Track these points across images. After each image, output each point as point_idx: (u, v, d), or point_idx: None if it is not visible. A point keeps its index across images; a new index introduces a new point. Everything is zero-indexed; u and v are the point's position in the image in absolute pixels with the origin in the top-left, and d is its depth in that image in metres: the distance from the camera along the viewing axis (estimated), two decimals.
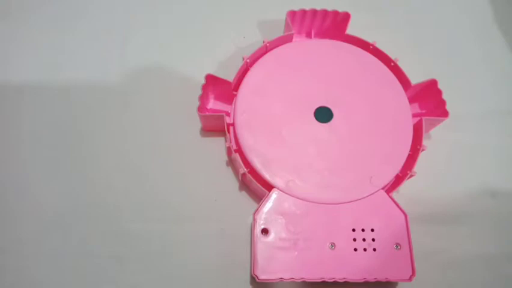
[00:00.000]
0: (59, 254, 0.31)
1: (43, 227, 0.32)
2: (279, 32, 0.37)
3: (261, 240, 0.29)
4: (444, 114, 0.33)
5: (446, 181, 0.34)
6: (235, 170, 0.34)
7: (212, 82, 0.33)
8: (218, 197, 0.33)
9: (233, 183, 0.34)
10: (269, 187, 0.31)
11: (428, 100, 0.34)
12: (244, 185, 0.34)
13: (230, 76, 0.33)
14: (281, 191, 0.30)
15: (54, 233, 0.32)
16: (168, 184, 0.34)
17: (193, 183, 0.34)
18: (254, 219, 0.29)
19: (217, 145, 0.35)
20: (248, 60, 0.34)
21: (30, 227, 0.32)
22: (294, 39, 0.36)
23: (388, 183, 0.31)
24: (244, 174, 0.31)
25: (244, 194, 0.34)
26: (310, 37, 0.37)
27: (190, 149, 0.35)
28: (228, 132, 0.33)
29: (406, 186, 0.31)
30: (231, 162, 0.34)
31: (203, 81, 0.32)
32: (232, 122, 0.33)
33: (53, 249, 0.31)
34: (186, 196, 0.33)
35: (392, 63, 0.35)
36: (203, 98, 0.32)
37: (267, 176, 0.31)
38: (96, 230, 0.32)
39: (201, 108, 0.32)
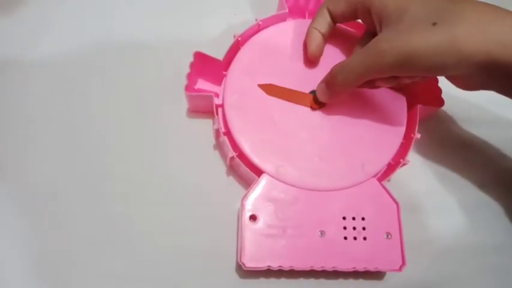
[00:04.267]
0: (36, 235, 0.29)
1: (20, 207, 0.30)
2: (272, 11, 0.35)
3: (249, 227, 0.27)
4: (440, 102, 0.33)
5: (438, 170, 0.34)
6: (223, 154, 0.32)
7: (201, 60, 0.31)
8: (204, 181, 0.32)
9: (220, 167, 0.32)
10: (258, 172, 0.30)
11: (424, 87, 0.33)
12: (232, 170, 0.32)
13: (221, 54, 0.32)
14: (271, 176, 0.29)
15: (31, 214, 0.30)
16: (152, 167, 0.32)
17: (178, 166, 0.32)
18: (242, 205, 0.28)
19: (205, 127, 0.33)
20: (239, 39, 0.32)
21: (8, 207, 0.30)
22: (287, 19, 0.35)
23: (380, 171, 0.31)
24: (232, 157, 0.30)
25: (231, 179, 0.32)
26: (304, 17, 0.36)
27: (176, 131, 0.33)
28: (217, 113, 0.31)
29: (398, 174, 0.30)
30: (218, 146, 0.33)
31: (191, 59, 0.31)
32: (221, 103, 0.31)
33: (30, 229, 0.29)
34: (171, 180, 0.32)
35: None
36: (191, 77, 0.31)
37: (257, 160, 0.29)
38: (74, 212, 0.30)
39: (189, 87, 0.30)
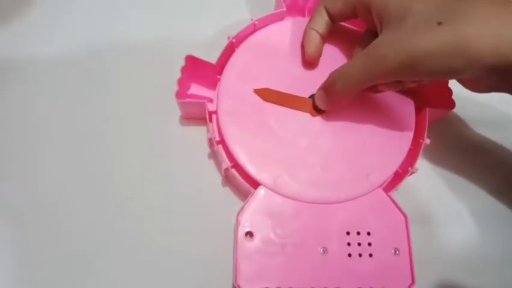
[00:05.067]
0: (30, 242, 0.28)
1: (18, 213, 0.29)
2: (269, 9, 0.33)
3: (245, 245, 0.26)
4: (451, 105, 0.30)
5: (448, 177, 0.32)
6: (218, 164, 0.30)
7: (193, 64, 0.29)
8: (199, 193, 0.30)
9: (216, 178, 0.31)
10: (255, 184, 0.28)
11: (433, 89, 0.31)
12: (228, 181, 0.30)
13: (214, 57, 0.30)
14: (268, 188, 0.27)
15: (27, 221, 0.28)
16: (143, 179, 0.30)
17: (171, 177, 0.30)
18: (237, 221, 0.26)
19: (199, 135, 0.31)
20: (234, 40, 0.30)
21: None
22: (285, 18, 0.32)
23: (386, 181, 0.29)
24: (227, 169, 0.28)
25: (227, 190, 0.30)
26: (304, 15, 0.33)
27: (168, 139, 0.31)
28: (210, 121, 0.29)
29: (405, 182, 0.28)
30: (213, 155, 0.31)
31: (183, 62, 0.29)
32: (215, 109, 0.29)
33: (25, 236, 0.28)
34: (163, 192, 0.30)
35: None
36: (182, 83, 0.29)
37: (253, 171, 0.27)
38: (61, 221, 0.29)
39: (180, 93, 0.28)
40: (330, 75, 0.27)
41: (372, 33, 0.27)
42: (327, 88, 0.27)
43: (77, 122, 0.32)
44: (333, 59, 0.30)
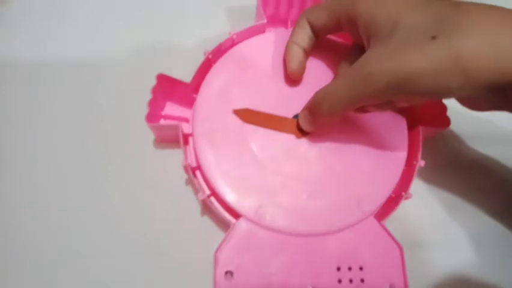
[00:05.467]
0: None
1: None
2: (249, 21, 0.31)
3: (224, 286, 0.23)
4: (445, 123, 0.28)
5: (444, 198, 0.29)
6: (196, 192, 0.28)
7: (165, 83, 0.27)
8: (176, 223, 0.27)
9: (194, 206, 0.28)
10: (235, 215, 0.25)
11: (426, 105, 0.29)
12: (206, 209, 0.28)
13: (189, 75, 0.27)
14: (250, 220, 0.25)
15: None
16: (113, 208, 0.27)
17: (144, 206, 0.28)
18: (216, 259, 0.23)
19: (175, 159, 0.29)
20: (210, 56, 0.28)
21: None
22: (267, 30, 0.30)
23: (379, 208, 0.26)
24: (204, 199, 0.25)
25: (207, 220, 0.28)
26: (287, 27, 0.31)
27: (142, 164, 0.29)
28: (186, 144, 0.27)
29: (399, 209, 0.26)
30: (191, 181, 0.28)
31: (154, 81, 0.26)
32: (191, 132, 0.27)
33: None
34: (136, 222, 0.27)
35: None
36: (153, 104, 0.26)
37: (233, 201, 0.25)
38: (16, 260, 0.26)
39: (151, 116, 0.26)
40: (315, 95, 0.24)
41: (359, 48, 0.25)
42: (312, 109, 0.25)
43: (38, 143, 0.29)
44: (319, 74, 0.28)
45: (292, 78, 0.28)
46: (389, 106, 0.24)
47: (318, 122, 0.25)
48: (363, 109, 0.24)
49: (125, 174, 0.28)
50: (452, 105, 0.27)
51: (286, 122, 0.27)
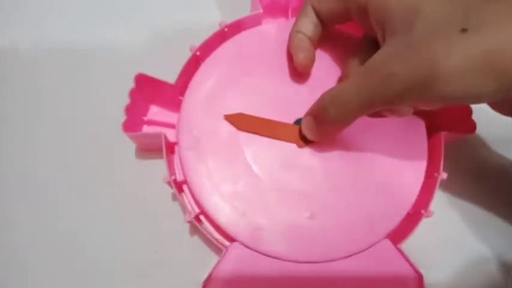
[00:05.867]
0: None
1: None
2: (243, 11, 0.27)
3: None
4: (470, 127, 0.24)
5: (467, 212, 0.26)
6: (184, 210, 0.24)
7: (145, 85, 0.23)
8: (160, 246, 0.24)
9: (182, 225, 0.25)
10: (228, 238, 0.22)
11: (449, 107, 0.25)
12: (196, 229, 0.24)
13: (173, 75, 0.23)
14: (245, 244, 0.21)
15: None
16: (89, 226, 0.24)
17: (125, 225, 0.24)
18: None
19: (160, 170, 0.25)
20: (198, 53, 0.24)
21: None
22: (264, 22, 0.26)
23: (394, 229, 0.23)
24: (191, 221, 0.22)
25: (197, 240, 0.24)
26: (287, 17, 0.27)
27: (121, 176, 0.25)
28: (170, 153, 0.23)
29: (418, 230, 0.22)
30: (177, 197, 0.25)
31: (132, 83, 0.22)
32: (177, 140, 0.23)
33: None
34: (115, 244, 0.24)
35: None
36: (131, 110, 0.22)
37: (225, 222, 0.21)
38: None
39: (129, 124, 0.22)
40: (321, 99, 0.21)
41: (371, 41, 0.21)
42: (317, 115, 0.21)
43: (13, 148, 0.26)
44: (325, 73, 0.24)
45: (301, 71, 0.24)
46: (408, 111, 0.20)
47: (324, 130, 0.21)
48: (377, 114, 0.21)
49: (102, 188, 0.25)
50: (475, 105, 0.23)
51: (286, 128, 0.23)
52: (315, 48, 0.24)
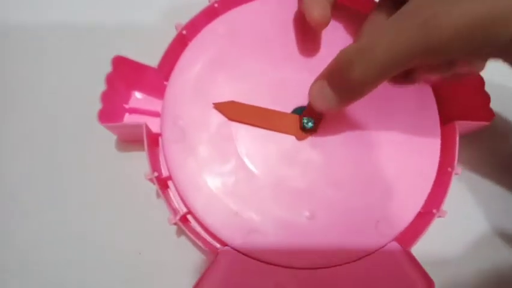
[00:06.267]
0: None
1: None
2: None
3: None
4: (488, 115, 0.22)
5: (483, 209, 0.24)
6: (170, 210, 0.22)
7: (124, 69, 0.20)
8: (144, 247, 0.22)
9: (168, 224, 0.22)
10: (219, 242, 0.19)
11: (463, 94, 0.23)
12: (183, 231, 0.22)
13: (156, 57, 0.21)
14: (237, 249, 0.19)
15: None
16: (64, 228, 0.22)
17: (105, 225, 0.22)
18: None
19: (143, 164, 0.23)
20: (184, 32, 0.21)
21: None
22: None
23: (403, 230, 0.20)
24: (177, 222, 0.19)
25: (184, 242, 0.22)
26: None
27: (101, 170, 0.23)
28: (154, 146, 0.21)
29: (430, 232, 0.20)
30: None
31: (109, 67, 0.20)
32: (161, 131, 0.21)
33: None
34: (94, 247, 0.22)
35: None
36: (109, 97, 0.20)
37: (215, 224, 0.19)
38: None
39: (105, 113, 0.20)
40: (340, 55, 0.17)
41: (388, 4, 0.18)
42: (335, 76, 0.17)
43: None
44: (331, 54, 0.21)
45: (316, 28, 0.20)
46: (448, 71, 0.17)
47: (344, 94, 0.18)
48: (409, 76, 0.18)
49: (78, 185, 0.23)
50: (494, 91, 0.21)
51: (284, 118, 0.21)
52: (331, 9, 0.20)
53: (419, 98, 0.22)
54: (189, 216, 0.21)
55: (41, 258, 0.22)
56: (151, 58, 0.21)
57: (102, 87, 0.20)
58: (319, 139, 0.21)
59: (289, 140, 0.21)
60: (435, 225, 0.20)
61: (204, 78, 0.21)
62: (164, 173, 0.21)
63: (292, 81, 0.21)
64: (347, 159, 0.21)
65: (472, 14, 0.14)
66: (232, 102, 0.21)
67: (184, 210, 0.20)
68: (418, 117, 0.22)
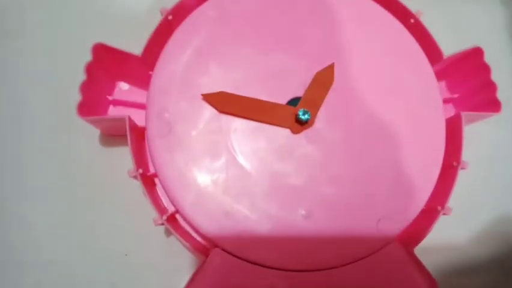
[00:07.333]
0: None
1: None
2: None
3: None
4: (495, 106, 0.21)
5: (493, 214, 0.22)
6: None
7: (106, 57, 0.19)
8: (131, 248, 0.20)
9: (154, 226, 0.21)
10: (209, 243, 0.18)
11: (469, 82, 0.21)
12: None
13: (139, 44, 0.19)
14: (228, 251, 0.18)
15: None
16: (47, 227, 0.21)
17: (90, 225, 0.21)
18: None
19: (128, 159, 0.21)
20: (170, 17, 0.20)
21: None
22: None
23: (405, 229, 0.19)
24: (164, 223, 0.18)
25: (173, 243, 0.21)
26: None
27: (86, 168, 0.22)
28: (139, 140, 0.19)
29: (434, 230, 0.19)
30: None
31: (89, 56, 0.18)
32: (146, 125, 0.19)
33: None
34: (78, 247, 0.20)
35: (413, 20, 0.21)
36: (90, 88, 0.18)
37: (205, 224, 0.18)
38: None
39: (85, 106, 0.18)
40: None
41: None
42: None
43: None
44: (327, 42, 0.20)
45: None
46: None
47: None
48: None
49: (60, 182, 0.21)
50: (502, 81, 0.20)
51: (278, 110, 0.19)
52: None
53: (422, 89, 0.21)
54: (178, 216, 0.19)
55: (22, 258, 0.20)
56: (135, 46, 0.19)
57: (83, 77, 0.18)
58: (316, 132, 0.19)
59: (284, 133, 0.19)
60: (440, 223, 0.19)
61: (191, 67, 0.19)
62: (152, 169, 0.19)
63: (288, 70, 0.20)
64: (345, 154, 0.19)
65: None
66: (223, 93, 0.19)
67: (172, 209, 0.19)
68: (421, 109, 0.20)
